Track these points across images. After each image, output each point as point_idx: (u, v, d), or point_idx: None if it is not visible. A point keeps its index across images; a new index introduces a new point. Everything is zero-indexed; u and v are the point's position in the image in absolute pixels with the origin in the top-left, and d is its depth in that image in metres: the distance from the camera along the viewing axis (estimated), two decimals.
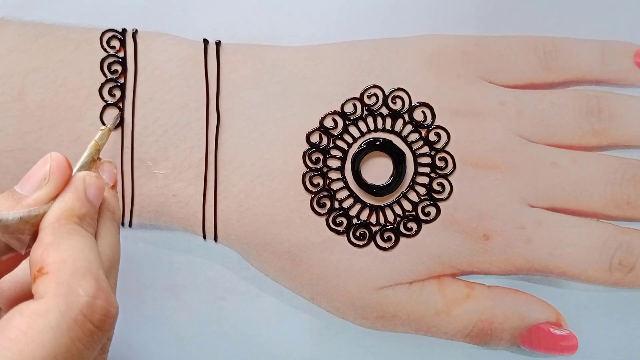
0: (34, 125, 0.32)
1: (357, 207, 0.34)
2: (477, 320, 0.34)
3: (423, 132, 0.34)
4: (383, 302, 0.34)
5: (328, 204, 0.34)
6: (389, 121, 0.34)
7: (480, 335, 0.34)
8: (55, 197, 0.24)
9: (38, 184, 0.25)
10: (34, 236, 0.24)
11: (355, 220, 0.34)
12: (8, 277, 0.25)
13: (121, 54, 0.33)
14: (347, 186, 0.34)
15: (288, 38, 0.34)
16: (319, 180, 0.34)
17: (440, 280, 0.34)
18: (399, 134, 0.34)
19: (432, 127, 0.34)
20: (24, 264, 0.25)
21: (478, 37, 0.35)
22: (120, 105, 0.33)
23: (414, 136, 0.34)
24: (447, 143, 0.34)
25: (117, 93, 0.33)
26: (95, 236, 0.25)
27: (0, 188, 0.32)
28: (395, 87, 0.34)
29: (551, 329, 0.34)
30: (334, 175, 0.34)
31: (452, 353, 0.35)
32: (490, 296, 0.34)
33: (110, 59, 0.33)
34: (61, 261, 0.22)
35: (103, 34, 0.33)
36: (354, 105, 0.34)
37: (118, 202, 0.28)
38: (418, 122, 0.34)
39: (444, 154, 0.34)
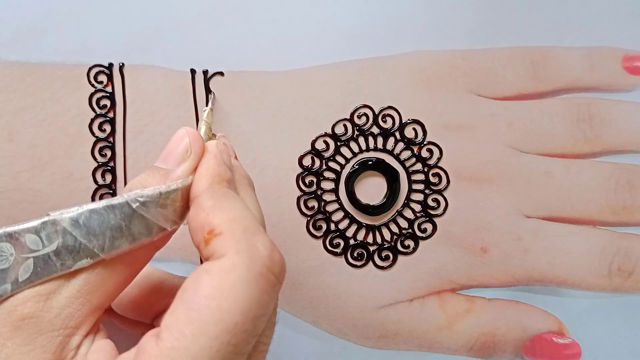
0: (25, 165, 0.32)
1: (353, 227, 0.34)
2: (479, 333, 0.34)
3: (415, 149, 0.34)
4: (384, 321, 0.34)
5: (324, 226, 0.34)
6: (380, 140, 0.34)
7: (484, 348, 0.34)
8: (195, 169, 0.25)
9: (181, 157, 0.25)
10: (181, 210, 0.24)
11: (352, 241, 0.34)
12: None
13: (109, 89, 0.33)
14: (342, 207, 0.34)
15: (275, 63, 0.34)
16: (313, 203, 0.34)
17: (440, 296, 0.34)
18: (391, 153, 0.34)
19: (424, 143, 0.34)
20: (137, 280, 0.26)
21: (465, 51, 0.35)
22: (111, 139, 0.33)
23: (406, 154, 0.34)
24: (439, 159, 0.34)
25: (107, 128, 0.33)
26: None
27: None
28: (385, 105, 0.34)
29: (554, 338, 0.34)
30: (328, 197, 0.34)
31: None
32: (491, 309, 0.34)
33: (99, 94, 0.33)
34: (231, 220, 0.22)
35: (90, 69, 0.33)
36: (345, 126, 0.34)
37: (246, 171, 0.28)
38: (409, 139, 0.34)
39: (437, 170, 0.34)
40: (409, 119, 0.34)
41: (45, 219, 0.22)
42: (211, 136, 0.29)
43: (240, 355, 0.21)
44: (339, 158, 0.34)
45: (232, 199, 0.23)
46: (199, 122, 0.29)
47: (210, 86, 0.34)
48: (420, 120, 0.34)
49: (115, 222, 0.22)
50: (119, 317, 0.29)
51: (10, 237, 0.22)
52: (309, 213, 0.34)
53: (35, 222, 0.22)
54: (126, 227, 0.23)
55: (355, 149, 0.34)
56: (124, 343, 0.26)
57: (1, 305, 0.22)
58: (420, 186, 0.34)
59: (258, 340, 0.23)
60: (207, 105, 0.32)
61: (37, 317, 0.22)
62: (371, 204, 0.34)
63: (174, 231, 0.25)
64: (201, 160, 0.25)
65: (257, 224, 0.23)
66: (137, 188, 0.23)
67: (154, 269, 0.29)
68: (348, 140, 0.34)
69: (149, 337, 0.21)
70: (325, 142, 0.34)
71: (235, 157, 0.29)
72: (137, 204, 0.23)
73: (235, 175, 0.26)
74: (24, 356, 0.21)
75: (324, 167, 0.34)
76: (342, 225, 0.34)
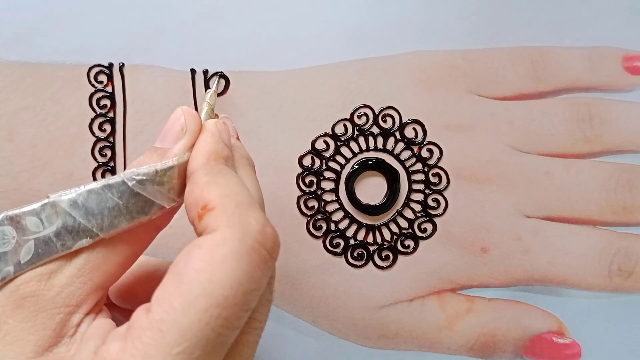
0: (26, 165, 0.32)
1: (354, 227, 0.34)
2: (479, 333, 0.34)
3: (415, 149, 0.34)
4: (384, 321, 0.34)
5: (324, 226, 0.34)
6: (380, 140, 0.34)
7: (484, 348, 0.34)
8: (192, 147, 0.25)
9: (177, 136, 0.25)
10: (178, 188, 0.24)
11: (352, 241, 0.34)
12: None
13: (109, 89, 0.33)
14: (342, 207, 0.34)
15: (275, 63, 0.34)
16: (313, 203, 0.34)
17: (440, 296, 0.34)
18: (391, 152, 0.34)
19: (424, 143, 0.34)
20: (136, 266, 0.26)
21: (465, 51, 0.35)
22: (111, 139, 0.33)
23: (406, 154, 0.34)
24: (439, 159, 0.34)
25: (108, 128, 0.33)
26: None
27: None
28: (385, 105, 0.34)
29: (554, 338, 0.34)
30: (328, 197, 0.34)
31: None
32: (491, 309, 0.34)
33: (99, 94, 0.33)
34: (224, 196, 0.22)
35: (90, 69, 0.33)
36: (345, 126, 0.34)
37: (247, 152, 0.28)
38: (410, 139, 0.34)
39: (437, 170, 0.34)
40: (409, 119, 0.34)
41: (45, 201, 0.22)
42: (213, 117, 0.29)
43: (232, 330, 0.21)
44: (339, 158, 0.34)
45: (228, 175, 0.23)
46: (202, 102, 0.29)
47: (210, 86, 0.34)
48: (420, 120, 0.34)
49: (112, 201, 0.23)
50: (117, 309, 0.29)
51: (12, 220, 0.22)
52: (309, 213, 0.34)
53: (36, 205, 0.22)
54: (124, 206, 0.23)
55: (355, 149, 0.34)
56: None
57: (5, 286, 0.22)
58: (420, 186, 0.34)
59: (252, 317, 0.22)
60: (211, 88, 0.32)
61: (38, 296, 0.22)
62: (371, 204, 0.34)
63: (173, 209, 0.25)
64: (198, 138, 0.25)
65: (251, 200, 0.22)
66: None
67: (149, 258, 0.29)
68: (348, 140, 0.34)
69: (140, 311, 0.21)
70: (325, 142, 0.34)
71: (237, 138, 0.29)
72: (134, 182, 0.23)
73: (235, 154, 0.26)
74: (24, 332, 0.21)
75: (324, 167, 0.34)
76: (342, 225, 0.34)
